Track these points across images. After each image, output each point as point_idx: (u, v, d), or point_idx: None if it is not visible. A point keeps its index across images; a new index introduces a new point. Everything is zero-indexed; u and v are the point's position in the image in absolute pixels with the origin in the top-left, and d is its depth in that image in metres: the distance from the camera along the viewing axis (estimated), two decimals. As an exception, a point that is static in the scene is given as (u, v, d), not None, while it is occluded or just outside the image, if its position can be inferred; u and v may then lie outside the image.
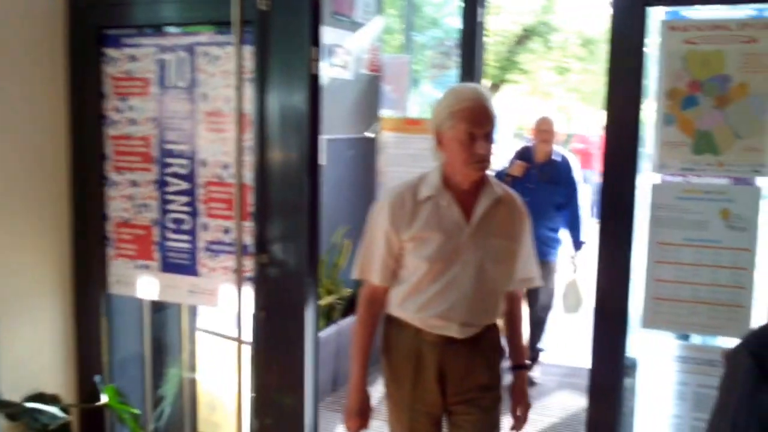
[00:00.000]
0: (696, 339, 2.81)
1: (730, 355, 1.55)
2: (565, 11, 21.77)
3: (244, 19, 2.99)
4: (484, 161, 2.41)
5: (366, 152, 6.15)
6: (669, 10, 2.75)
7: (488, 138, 2.40)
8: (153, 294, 3.39)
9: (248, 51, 3.04)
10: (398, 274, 2.56)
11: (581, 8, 21.11)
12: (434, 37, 7.45)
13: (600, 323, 2.62)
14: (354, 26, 5.69)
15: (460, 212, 2.48)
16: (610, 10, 2.68)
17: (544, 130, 5.45)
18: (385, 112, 6.25)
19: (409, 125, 6.24)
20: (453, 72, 7.14)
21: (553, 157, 5.40)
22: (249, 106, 3.05)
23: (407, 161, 6.16)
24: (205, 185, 3.20)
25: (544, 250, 5.08)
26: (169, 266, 3.31)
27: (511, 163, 5.51)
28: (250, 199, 3.10)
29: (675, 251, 2.59)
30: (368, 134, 5.91)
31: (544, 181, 5.32)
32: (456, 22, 7.99)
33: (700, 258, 2.57)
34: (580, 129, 15.82)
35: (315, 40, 3.02)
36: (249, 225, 3.10)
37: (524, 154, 5.49)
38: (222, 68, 3.14)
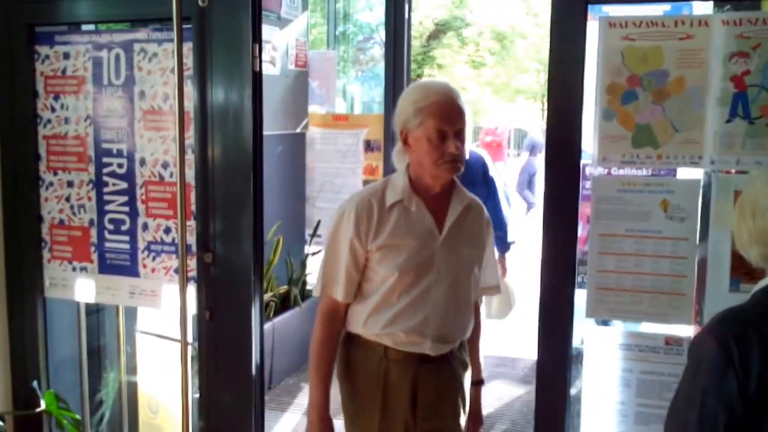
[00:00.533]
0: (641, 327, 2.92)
1: (695, 343, 1.56)
2: (478, 6, 22.16)
3: (182, 15, 2.97)
4: (456, 161, 2.30)
5: (294, 148, 6.17)
6: (607, 7, 2.87)
7: (460, 136, 2.31)
8: (91, 296, 3.35)
9: (187, 48, 3.02)
10: (362, 288, 2.40)
11: (494, 3, 21.52)
12: (357, 32, 7.46)
13: (546, 315, 2.69)
14: (281, 22, 5.69)
15: (431, 218, 2.37)
16: (550, 7, 2.77)
17: None
18: (312, 108, 6.27)
19: (337, 121, 6.31)
20: (379, 67, 7.20)
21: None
22: (189, 103, 3.03)
23: (335, 157, 6.24)
24: (144, 185, 3.19)
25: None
26: (108, 268, 3.28)
27: None
28: (192, 197, 3.09)
29: (617, 242, 2.68)
30: (297, 131, 5.92)
31: None
32: (368, 17, 8.06)
33: (641, 248, 2.65)
34: (490, 122, 16.06)
35: (256, 37, 3.03)
36: (191, 224, 3.09)
37: None
38: (160, 65, 3.13)
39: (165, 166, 3.14)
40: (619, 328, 2.92)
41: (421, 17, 20.76)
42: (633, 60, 2.62)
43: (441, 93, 2.31)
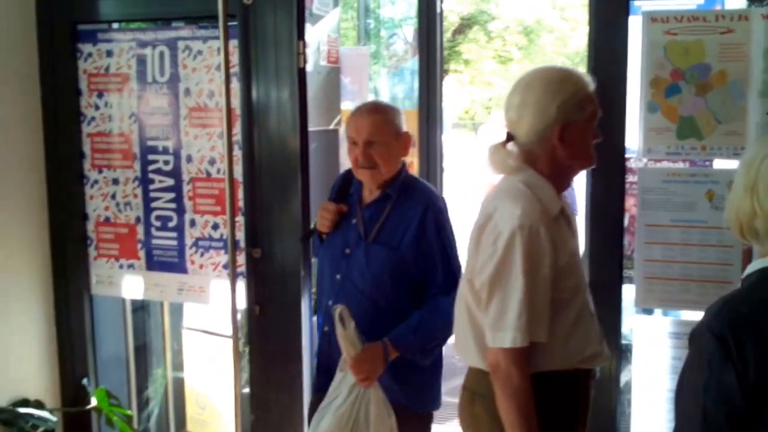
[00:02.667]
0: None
1: (694, 337, 1.69)
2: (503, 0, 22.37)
3: (228, 13, 3.21)
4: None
5: (328, 145, 6.39)
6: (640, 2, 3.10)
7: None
8: (139, 293, 3.62)
9: (232, 45, 3.27)
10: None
11: None
12: (379, 27, 7.69)
13: (595, 307, 2.92)
14: (312, 18, 5.93)
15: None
16: (588, 4, 3.00)
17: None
18: (344, 105, 6.50)
19: (370, 116, 6.49)
20: (411, 63, 7.42)
21: (389, 191, 2.90)
22: (234, 100, 3.28)
23: (368, 153, 6.42)
24: (191, 181, 3.44)
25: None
26: (155, 264, 3.55)
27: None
28: (240, 193, 3.34)
29: (664, 232, 2.92)
30: (330, 127, 6.16)
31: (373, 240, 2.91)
32: (390, 12, 8.28)
33: (688, 238, 2.89)
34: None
35: (300, 33, 3.29)
36: (239, 220, 3.34)
37: (344, 188, 3.08)
38: (205, 63, 3.39)
39: (212, 162, 3.40)
40: (666, 318, 3.15)
41: (446, 12, 21.04)
42: (676, 54, 2.86)
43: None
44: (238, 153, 3.31)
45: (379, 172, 2.84)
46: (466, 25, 22.78)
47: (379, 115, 2.87)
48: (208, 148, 3.40)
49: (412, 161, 6.34)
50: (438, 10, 6.35)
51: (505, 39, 22.79)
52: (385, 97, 7.51)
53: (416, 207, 2.84)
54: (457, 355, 2.43)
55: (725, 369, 1.59)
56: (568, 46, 22.88)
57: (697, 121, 2.85)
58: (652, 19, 2.88)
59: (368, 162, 2.82)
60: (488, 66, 23.09)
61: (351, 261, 2.89)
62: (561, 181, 2.29)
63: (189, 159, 3.43)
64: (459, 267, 2.80)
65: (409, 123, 6.25)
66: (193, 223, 3.46)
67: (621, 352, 2.99)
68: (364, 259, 2.85)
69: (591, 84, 2.24)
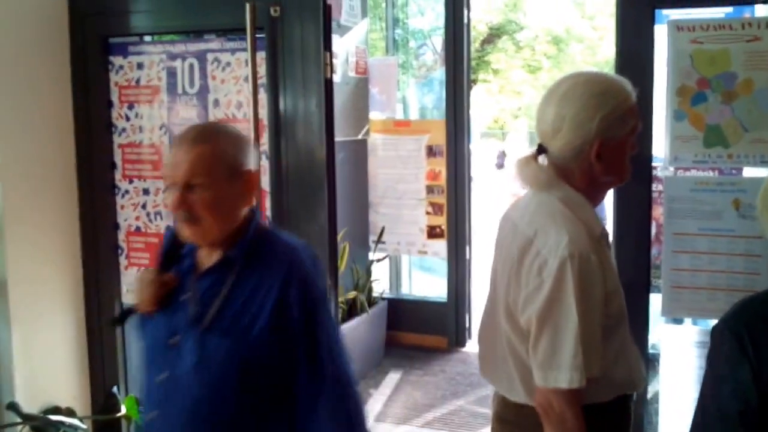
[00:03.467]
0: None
1: (714, 333, 1.69)
2: (532, 9, 22.41)
3: (255, 25, 3.21)
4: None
5: (357, 155, 6.44)
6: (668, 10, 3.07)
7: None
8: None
9: (260, 57, 3.28)
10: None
11: (548, 6, 21.76)
12: (408, 37, 7.71)
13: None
14: (340, 29, 5.95)
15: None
16: (615, 13, 3.00)
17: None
18: (373, 115, 6.51)
19: (398, 127, 6.55)
20: (433, 73, 7.43)
21: (231, 253, 2.03)
22: (262, 111, 3.29)
23: (397, 163, 6.49)
24: None
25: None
26: (184, 273, 3.53)
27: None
28: (267, 204, 3.34)
29: (691, 241, 2.88)
30: (359, 137, 6.18)
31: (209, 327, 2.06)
32: (420, 23, 8.30)
33: (715, 247, 2.85)
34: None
35: (327, 45, 3.28)
36: None
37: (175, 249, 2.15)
38: (233, 74, 3.40)
39: None
40: (693, 328, 3.10)
41: (475, 21, 21.17)
42: (702, 63, 2.84)
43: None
44: (265, 163, 3.31)
45: (203, 228, 1.92)
46: (494, 35, 22.83)
47: (205, 146, 1.92)
48: None
49: (440, 170, 6.34)
50: (465, 21, 6.36)
51: (534, 48, 22.82)
52: (413, 107, 7.54)
53: (273, 276, 1.94)
54: (496, 389, 2.25)
55: (741, 366, 1.60)
56: (597, 54, 22.90)
57: (724, 129, 2.83)
58: (678, 27, 2.86)
59: (187, 214, 1.91)
60: (517, 75, 23.15)
61: (178, 355, 1.96)
62: (595, 197, 2.13)
63: None
64: (334, 363, 1.96)
65: (437, 133, 6.29)
66: None
67: (648, 362, 2.93)
68: (195, 354, 1.93)
69: (633, 94, 2.07)
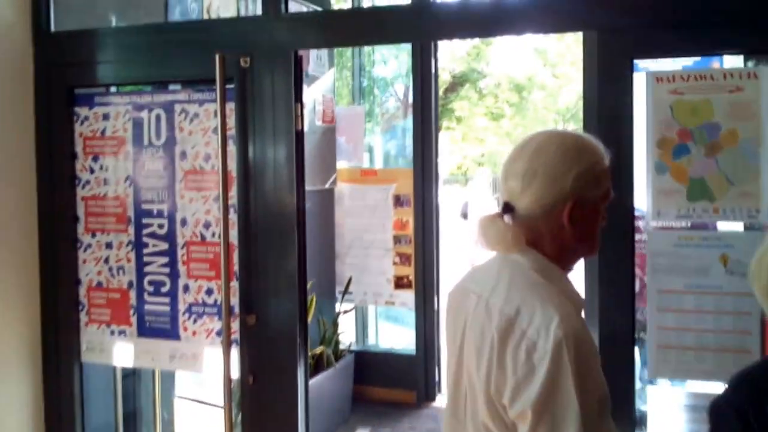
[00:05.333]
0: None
1: (713, 410, 1.60)
2: (495, 58, 22.57)
3: (225, 76, 3.03)
4: None
5: (324, 204, 6.23)
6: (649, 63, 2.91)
7: None
8: (130, 361, 3.37)
9: (228, 108, 3.10)
10: None
11: (510, 54, 21.97)
12: (372, 85, 7.58)
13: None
14: (308, 78, 5.79)
15: None
16: (594, 64, 2.82)
17: None
18: (340, 164, 6.33)
19: (365, 176, 6.36)
20: (406, 121, 7.28)
21: None
22: (231, 162, 3.10)
23: (365, 212, 6.28)
24: (185, 245, 3.23)
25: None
26: (147, 331, 3.31)
27: None
28: (235, 258, 3.13)
29: (677, 298, 2.69)
30: (326, 186, 5.98)
31: None
32: (383, 71, 8.19)
33: (702, 304, 2.67)
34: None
35: (298, 96, 3.11)
36: (234, 285, 3.12)
37: None
38: (201, 126, 3.21)
39: (207, 226, 3.19)
40: (680, 389, 2.90)
41: (439, 70, 21.23)
42: (683, 113, 2.66)
43: None
44: (233, 216, 3.12)
45: None
46: (458, 83, 22.90)
47: None
48: (203, 211, 3.20)
49: (408, 220, 6.17)
50: (433, 69, 6.23)
51: (497, 96, 22.91)
52: (378, 156, 7.38)
53: None
54: None
55: None
56: (558, 102, 22.96)
57: (708, 182, 2.65)
58: (657, 78, 2.70)
59: None
60: (480, 122, 23.21)
61: None
62: (564, 266, 1.84)
63: (184, 222, 3.22)
64: None
65: (404, 182, 6.10)
66: (186, 288, 3.23)
67: (635, 423, 2.72)
68: None
69: (607, 157, 1.84)
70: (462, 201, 13.71)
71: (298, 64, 3.13)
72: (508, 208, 1.83)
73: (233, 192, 3.11)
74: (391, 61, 8.09)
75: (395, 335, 7.29)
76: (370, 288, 6.34)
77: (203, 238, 3.20)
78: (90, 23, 3.53)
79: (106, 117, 3.34)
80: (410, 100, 6.44)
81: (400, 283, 6.28)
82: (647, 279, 2.71)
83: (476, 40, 20.87)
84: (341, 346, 6.13)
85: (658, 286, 2.70)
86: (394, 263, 6.27)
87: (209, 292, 3.20)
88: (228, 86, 3.07)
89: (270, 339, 3.10)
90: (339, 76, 7.43)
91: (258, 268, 3.11)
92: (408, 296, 6.29)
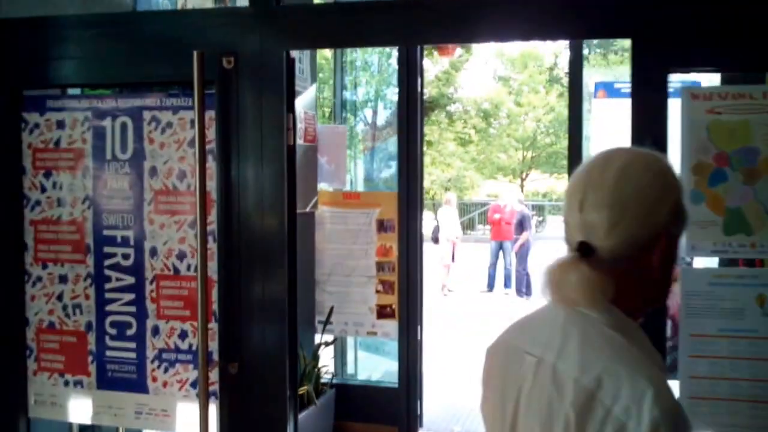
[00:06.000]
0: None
1: None
2: (464, 84, 22.79)
3: (204, 78, 2.54)
4: None
5: (303, 229, 5.72)
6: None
7: None
8: (87, 417, 2.87)
9: (208, 117, 2.63)
10: None
11: (477, 81, 22.22)
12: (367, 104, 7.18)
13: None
14: (289, 95, 5.32)
15: None
16: (629, 78, 2.49)
17: None
18: (321, 186, 5.87)
19: (348, 199, 5.93)
20: (391, 142, 6.87)
21: None
22: (210, 182, 2.64)
23: (346, 238, 5.85)
24: (155, 279, 2.76)
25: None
26: (109, 382, 2.82)
27: None
28: (214, 295, 2.67)
29: (710, 343, 2.44)
30: (306, 210, 5.49)
31: None
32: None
33: (737, 350, 2.42)
34: (499, 199, 15.85)
35: (290, 105, 2.69)
36: (212, 327, 2.66)
37: None
38: (175, 137, 2.74)
39: (181, 256, 2.73)
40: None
41: (423, 89, 21.76)
42: (720, 136, 2.41)
43: None
44: (212, 245, 2.65)
45: None
46: (429, 108, 22.97)
47: None
48: (177, 239, 2.73)
49: (391, 246, 5.74)
50: (418, 90, 5.84)
51: (466, 122, 23.24)
52: (359, 178, 6.95)
53: None
54: None
55: None
56: (519, 130, 23.33)
57: (746, 213, 2.40)
58: (693, 95, 2.43)
59: None
60: (449, 147, 23.46)
61: None
62: (636, 319, 1.49)
63: (153, 252, 2.75)
64: None
65: (388, 206, 5.65)
66: (156, 330, 2.76)
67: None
68: None
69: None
70: (433, 225, 13.50)
71: (291, 67, 2.69)
72: (587, 249, 1.43)
73: (213, 216, 2.65)
74: (369, 83, 7.66)
75: (375, 366, 6.87)
76: (351, 318, 5.90)
77: (176, 271, 2.73)
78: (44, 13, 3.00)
79: (60, 125, 2.83)
80: (378, 123, 6.06)
81: (382, 312, 5.85)
82: (680, 321, 2.46)
83: (446, 64, 21.04)
84: (322, 379, 5.76)
85: (690, 330, 2.44)
86: (377, 291, 5.84)
87: (183, 335, 2.73)
88: (208, 91, 2.60)
89: (254, 392, 2.65)
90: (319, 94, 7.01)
91: (242, 307, 2.64)
92: (391, 326, 5.86)
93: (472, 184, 24.54)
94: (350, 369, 6.65)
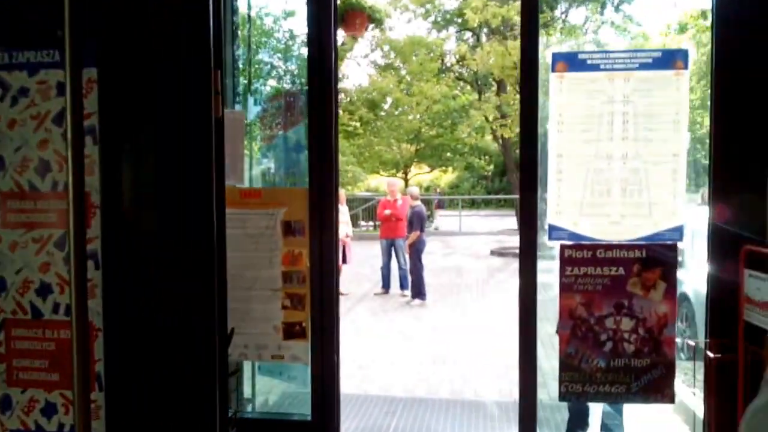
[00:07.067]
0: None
1: None
2: (352, 73, 22.23)
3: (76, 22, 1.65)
4: None
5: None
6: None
7: None
8: None
9: (88, 78, 1.83)
10: None
11: (365, 70, 21.76)
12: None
13: None
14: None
15: None
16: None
17: None
18: (213, 182, 5.01)
19: (246, 198, 5.06)
20: (299, 129, 6.05)
21: None
22: (91, 176, 1.85)
23: (245, 244, 4.98)
24: (4, 326, 1.92)
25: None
26: None
27: None
28: (97, 349, 1.87)
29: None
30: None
31: None
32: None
33: None
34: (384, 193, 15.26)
35: (218, 60, 1.81)
36: (97, 398, 1.85)
37: None
38: (33, 111, 1.94)
39: (44, 292, 1.92)
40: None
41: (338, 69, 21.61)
42: None
43: None
44: (94, 274, 1.85)
45: None
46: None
47: None
48: (37, 265, 1.93)
49: (302, 252, 4.94)
50: (333, 74, 5.05)
51: (353, 113, 22.80)
52: (256, 172, 6.12)
53: None
54: None
55: None
56: (404, 124, 22.99)
57: None
58: None
59: None
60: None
61: None
62: None
63: (2, 287, 1.92)
64: None
65: (296, 206, 4.84)
66: (6, 403, 1.93)
67: None
68: None
69: None
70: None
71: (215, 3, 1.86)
72: None
73: (95, 230, 1.86)
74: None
75: (277, 392, 6.07)
76: (252, 339, 5.06)
77: (37, 313, 1.92)
78: None
79: None
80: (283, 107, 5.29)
81: (291, 331, 5.03)
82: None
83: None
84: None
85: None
86: (284, 307, 5.03)
87: (50, 411, 1.90)
88: (87, 41, 1.73)
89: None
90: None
91: (141, 371, 1.84)
92: (301, 348, 5.03)
93: (354, 179, 24.07)
94: (247, 394, 5.84)
